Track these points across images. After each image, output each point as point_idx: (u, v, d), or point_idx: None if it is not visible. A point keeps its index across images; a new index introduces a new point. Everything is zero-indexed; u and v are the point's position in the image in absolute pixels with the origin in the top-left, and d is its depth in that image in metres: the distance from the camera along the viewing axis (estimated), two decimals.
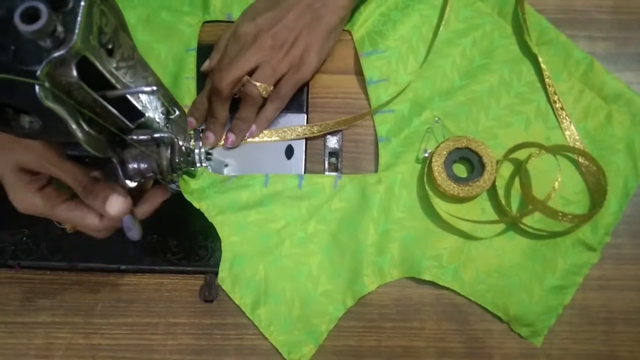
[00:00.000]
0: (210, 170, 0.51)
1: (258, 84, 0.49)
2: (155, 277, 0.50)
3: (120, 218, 0.39)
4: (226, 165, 0.52)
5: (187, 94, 0.52)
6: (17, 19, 0.24)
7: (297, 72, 0.50)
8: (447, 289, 0.49)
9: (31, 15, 0.24)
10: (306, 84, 0.53)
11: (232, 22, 0.54)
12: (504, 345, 0.48)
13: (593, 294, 0.49)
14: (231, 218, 0.48)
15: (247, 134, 0.51)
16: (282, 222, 0.49)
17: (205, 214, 0.48)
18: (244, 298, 0.48)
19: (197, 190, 0.49)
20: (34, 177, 0.38)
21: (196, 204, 0.48)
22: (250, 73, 0.49)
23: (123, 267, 0.49)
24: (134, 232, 0.40)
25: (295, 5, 0.50)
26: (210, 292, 0.48)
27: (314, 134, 0.52)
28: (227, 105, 0.51)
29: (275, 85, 0.50)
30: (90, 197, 0.37)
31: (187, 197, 0.47)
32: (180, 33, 0.54)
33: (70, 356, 0.48)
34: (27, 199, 0.38)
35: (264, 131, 0.52)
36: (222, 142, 0.51)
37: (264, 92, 0.49)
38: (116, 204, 0.37)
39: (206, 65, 0.52)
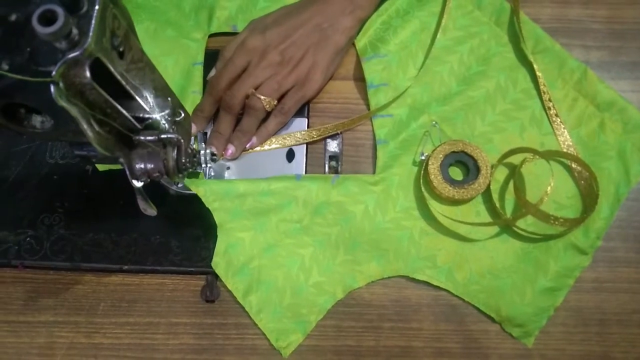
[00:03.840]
0: (212, 173, 0.52)
1: (262, 97, 0.50)
2: (157, 277, 0.50)
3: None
4: (228, 168, 0.53)
5: (193, 107, 0.53)
6: (34, 21, 0.25)
7: (302, 89, 0.52)
8: (444, 290, 0.50)
9: (48, 18, 0.25)
10: (309, 101, 0.54)
11: (237, 33, 0.55)
12: (500, 345, 0.49)
13: (587, 296, 0.50)
14: (228, 204, 0.49)
15: (247, 145, 0.52)
16: (278, 212, 0.50)
17: (203, 199, 0.48)
18: (237, 284, 0.49)
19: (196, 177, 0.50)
20: None
21: (194, 189, 0.48)
22: (256, 86, 0.50)
23: (125, 267, 0.50)
24: (150, 211, 0.42)
25: (304, 23, 0.51)
26: (212, 293, 0.49)
27: (314, 139, 0.53)
28: (234, 121, 0.52)
29: (279, 100, 0.51)
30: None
31: (186, 182, 0.48)
32: (186, 47, 0.55)
33: (72, 355, 0.48)
34: None
35: None
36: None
37: (268, 106, 0.51)
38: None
39: (212, 74, 0.53)
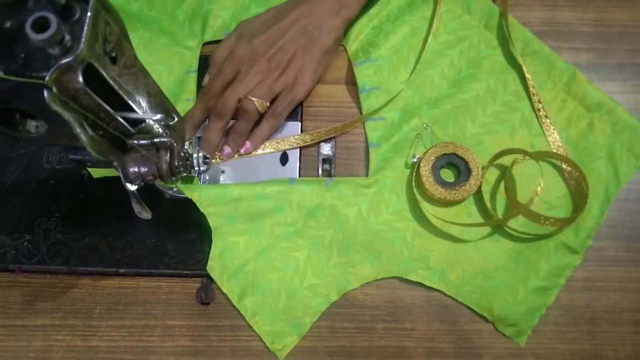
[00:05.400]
0: (207, 177, 0.53)
1: (255, 99, 0.51)
2: (153, 280, 0.51)
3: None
4: (223, 172, 0.53)
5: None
6: (28, 28, 0.26)
7: (292, 91, 0.52)
8: (437, 290, 0.50)
9: (41, 25, 0.26)
10: (301, 103, 0.55)
11: None
12: (493, 345, 0.49)
13: (578, 295, 0.50)
14: (222, 209, 0.50)
15: (242, 150, 0.53)
16: (273, 216, 0.50)
17: (197, 204, 0.49)
18: (232, 287, 0.49)
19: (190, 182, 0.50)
20: None
21: (188, 194, 0.49)
22: (247, 92, 0.51)
23: (121, 270, 0.50)
24: (144, 214, 0.43)
25: (291, 27, 0.52)
26: (207, 295, 0.50)
27: (307, 143, 0.53)
28: (225, 129, 0.53)
29: (271, 104, 0.52)
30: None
31: (180, 187, 0.48)
32: (181, 55, 0.56)
33: (69, 358, 0.49)
34: None
35: None
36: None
37: (260, 107, 0.51)
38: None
39: (205, 80, 0.54)
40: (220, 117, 0.52)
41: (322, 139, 0.54)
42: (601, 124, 0.53)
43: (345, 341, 0.49)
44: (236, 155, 0.53)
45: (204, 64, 0.55)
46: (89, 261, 0.50)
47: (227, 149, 0.52)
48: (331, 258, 0.50)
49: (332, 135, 0.54)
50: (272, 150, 0.54)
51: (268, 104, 0.52)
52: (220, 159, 0.53)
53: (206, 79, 0.54)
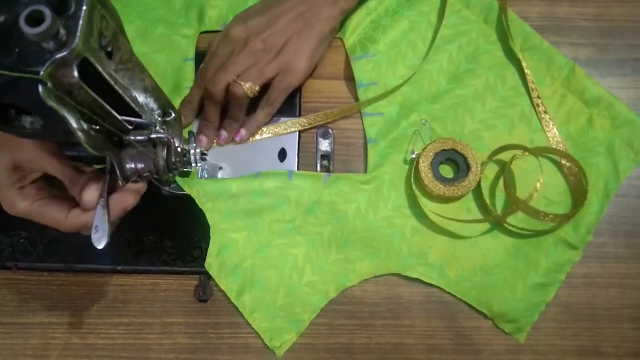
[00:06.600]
0: (205, 174, 0.52)
1: (243, 83, 0.50)
2: (150, 277, 0.51)
3: (91, 210, 0.38)
4: (220, 168, 0.53)
5: None
6: (22, 22, 0.25)
7: (286, 77, 0.52)
8: (436, 287, 0.50)
9: (35, 19, 0.26)
10: (298, 90, 0.54)
11: None
12: (491, 341, 0.49)
13: (577, 291, 0.50)
14: (221, 205, 0.49)
15: (237, 138, 0.53)
16: (271, 213, 0.50)
17: (196, 200, 0.49)
18: (230, 284, 0.49)
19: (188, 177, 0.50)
20: (20, 176, 0.39)
21: (187, 189, 0.49)
22: (238, 74, 0.51)
23: (119, 267, 0.50)
24: (101, 234, 0.37)
25: (287, 12, 0.51)
26: (205, 292, 0.50)
27: (305, 127, 0.53)
28: (219, 109, 0.52)
29: (265, 90, 0.52)
30: (74, 188, 0.38)
31: (179, 182, 0.48)
32: (177, 44, 0.56)
33: (66, 356, 0.49)
34: (9, 198, 0.39)
35: None
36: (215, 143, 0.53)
37: (249, 92, 0.50)
38: (91, 191, 0.38)
39: (202, 68, 0.54)
40: (211, 98, 0.51)
41: (319, 123, 0.53)
42: (600, 119, 0.53)
43: (344, 338, 0.49)
44: (232, 143, 0.53)
45: (202, 58, 0.55)
46: (86, 258, 0.50)
47: (224, 134, 0.52)
48: (330, 254, 0.50)
49: (329, 120, 0.54)
50: (270, 135, 0.53)
51: (257, 88, 0.50)
52: (218, 144, 0.53)
53: (202, 67, 0.54)
